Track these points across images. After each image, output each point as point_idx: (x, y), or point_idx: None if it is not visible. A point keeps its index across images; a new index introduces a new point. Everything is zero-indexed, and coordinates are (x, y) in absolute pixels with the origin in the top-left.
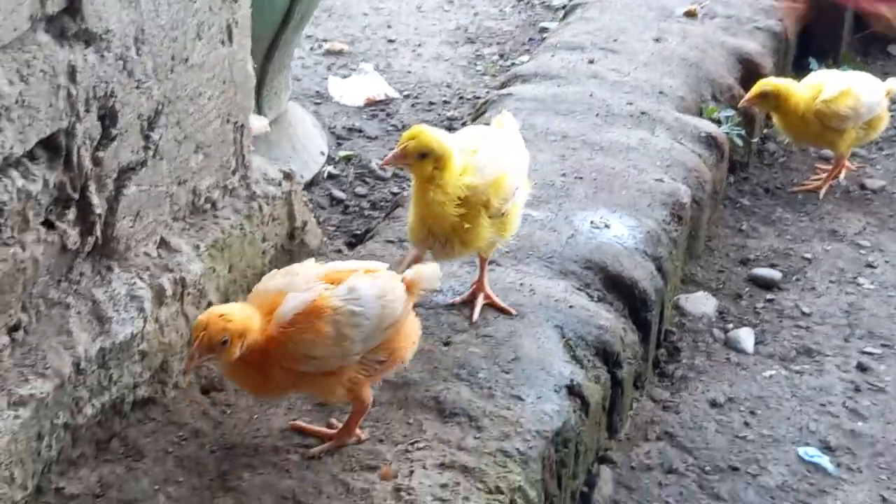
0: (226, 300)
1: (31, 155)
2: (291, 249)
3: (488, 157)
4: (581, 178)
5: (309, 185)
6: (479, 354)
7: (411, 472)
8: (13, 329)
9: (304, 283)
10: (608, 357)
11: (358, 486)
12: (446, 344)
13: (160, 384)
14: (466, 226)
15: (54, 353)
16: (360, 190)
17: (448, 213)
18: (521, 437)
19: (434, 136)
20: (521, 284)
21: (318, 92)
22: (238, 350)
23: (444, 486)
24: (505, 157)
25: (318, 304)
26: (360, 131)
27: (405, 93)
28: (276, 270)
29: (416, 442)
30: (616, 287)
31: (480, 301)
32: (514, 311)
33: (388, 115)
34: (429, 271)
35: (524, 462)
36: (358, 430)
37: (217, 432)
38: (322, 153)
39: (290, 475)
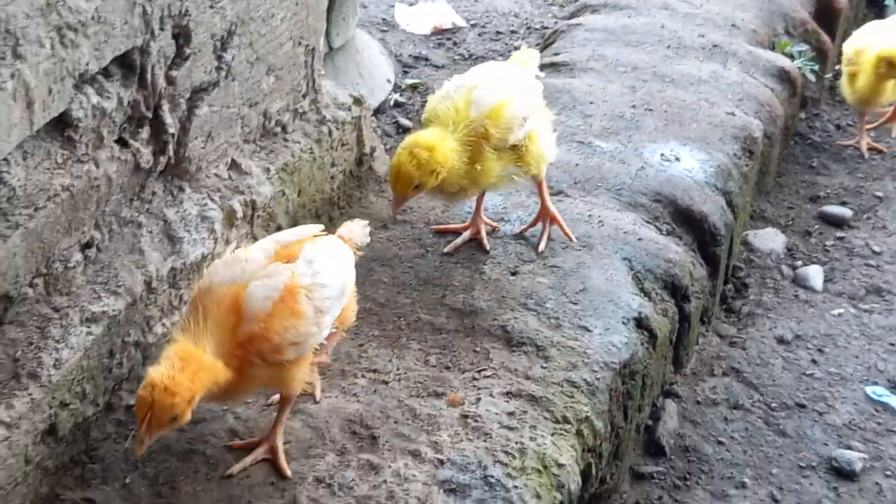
0: (294, 223)
1: (105, 72)
2: (359, 176)
3: (485, 89)
4: (651, 110)
5: (375, 113)
6: (546, 285)
7: (478, 399)
8: (86, 246)
9: (258, 269)
10: (676, 291)
11: (425, 412)
12: (514, 273)
13: None
14: (478, 167)
15: (126, 272)
16: None
17: (457, 179)
18: (588, 368)
19: (414, 165)
20: (590, 216)
21: (384, 20)
22: (190, 413)
23: (510, 414)
24: (507, 88)
25: (290, 287)
26: (427, 60)
27: (472, 22)
28: (216, 261)
29: (484, 370)
30: (685, 220)
31: (548, 229)
32: (574, 238)
33: (454, 43)
34: (358, 228)
35: (591, 393)
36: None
37: None
38: (388, 81)
39: (358, 399)
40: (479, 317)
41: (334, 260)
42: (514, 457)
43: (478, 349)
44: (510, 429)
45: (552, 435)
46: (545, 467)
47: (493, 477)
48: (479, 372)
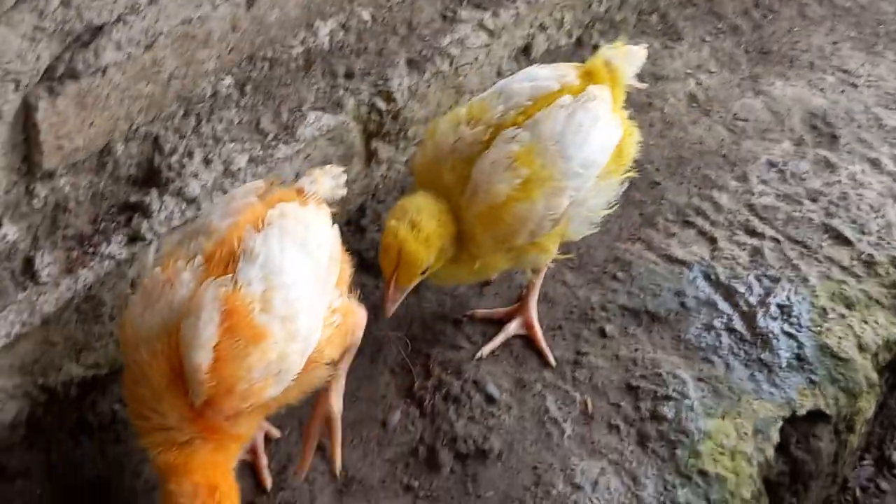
0: None
1: None
2: None
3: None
4: None
5: None
6: None
7: None
8: None
9: (187, 295)
10: None
11: (891, 124)
12: None
13: None
14: None
15: None
16: None
17: None
18: None
19: (418, 247)
20: None
21: None
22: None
23: None
24: None
25: (231, 308)
26: None
27: None
28: (131, 302)
29: None
30: None
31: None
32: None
33: None
34: (327, 178)
35: None
36: None
37: (755, 35)
38: None
39: (824, 95)
40: None
41: (293, 239)
42: None
43: None
44: None
45: None
46: None
47: None
48: None
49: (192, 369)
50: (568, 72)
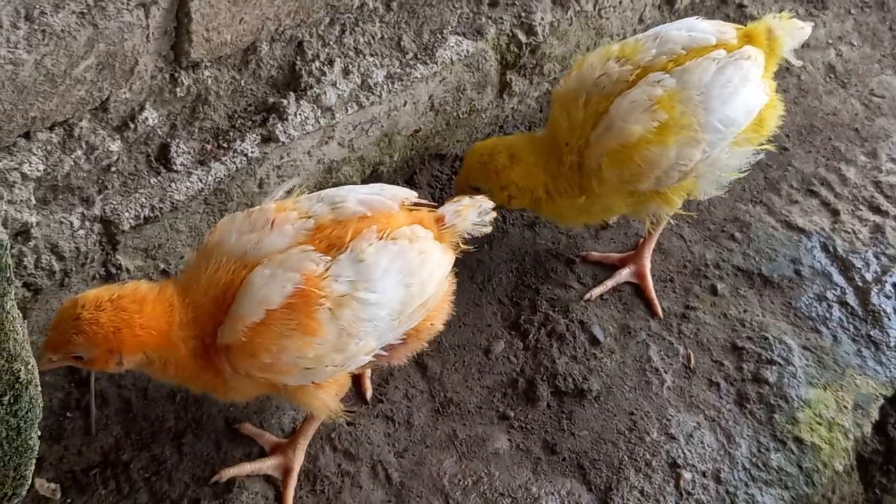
0: None
1: None
2: None
3: None
4: None
5: None
6: None
7: None
8: None
9: (281, 245)
10: None
11: None
12: None
13: None
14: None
15: None
16: None
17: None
18: None
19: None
20: None
21: None
22: (116, 366)
23: None
24: None
25: (305, 291)
26: None
27: None
28: (235, 214)
29: None
30: None
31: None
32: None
33: None
34: (472, 211)
35: None
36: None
37: None
38: None
39: None
40: None
41: (403, 266)
42: None
43: None
44: None
45: None
46: None
47: None
48: None
49: (237, 315)
50: (728, 30)
